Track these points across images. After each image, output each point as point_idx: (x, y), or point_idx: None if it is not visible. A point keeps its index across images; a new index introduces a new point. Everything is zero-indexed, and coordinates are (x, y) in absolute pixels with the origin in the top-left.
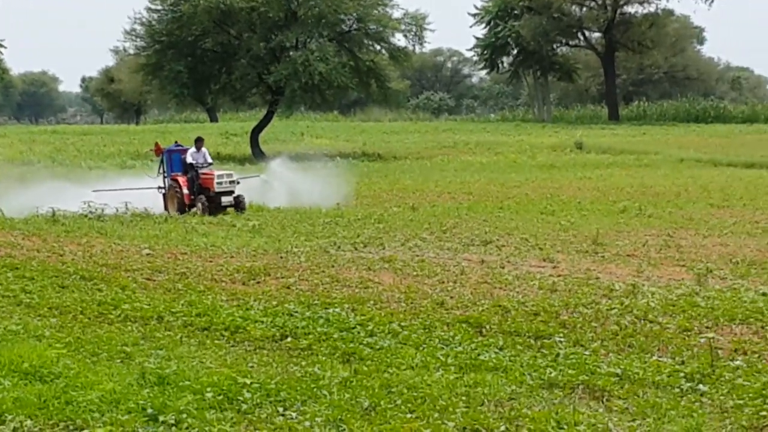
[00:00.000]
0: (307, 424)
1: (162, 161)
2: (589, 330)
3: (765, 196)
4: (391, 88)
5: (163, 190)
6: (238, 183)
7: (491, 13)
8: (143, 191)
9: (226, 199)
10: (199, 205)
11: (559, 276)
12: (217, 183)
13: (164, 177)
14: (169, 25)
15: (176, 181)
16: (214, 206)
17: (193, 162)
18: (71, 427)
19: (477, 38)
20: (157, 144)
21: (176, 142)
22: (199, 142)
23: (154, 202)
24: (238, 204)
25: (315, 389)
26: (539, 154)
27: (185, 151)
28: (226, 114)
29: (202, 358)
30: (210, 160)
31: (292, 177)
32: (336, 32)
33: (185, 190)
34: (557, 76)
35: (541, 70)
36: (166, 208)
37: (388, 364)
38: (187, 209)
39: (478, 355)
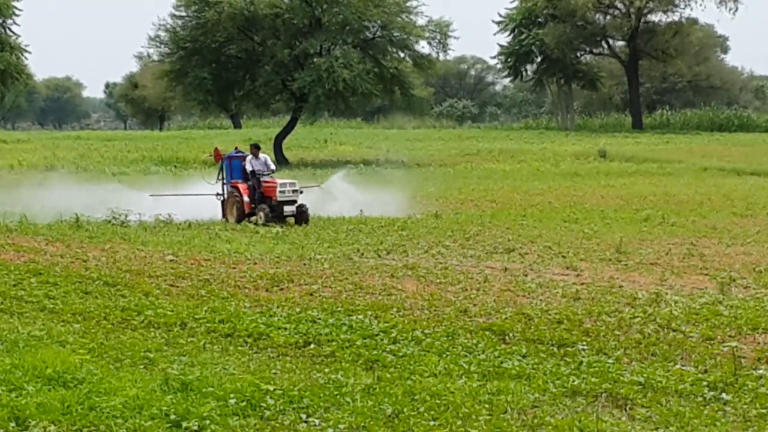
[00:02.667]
0: (331, 431)
1: (221, 167)
2: (612, 338)
3: None
4: (415, 95)
5: (222, 197)
6: (302, 192)
7: (515, 20)
8: (200, 197)
9: (288, 209)
10: (261, 214)
11: (583, 284)
12: (280, 192)
13: (223, 184)
14: (194, 32)
15: (236, 188)
16: (276, 215)
17: (255, 169)
18: None
19: (501, 46)
20: (216, 149)
21: (236, 148)
22: (256, 149)
23: (212, 209)
24: (301, 215)
25: (338, 396)
26: (562, 162)
27: (246, 157)
28: (250, 120)
29: (226, 365)
30: (273, 167)
31: (352, 188)
32: (360, 39)
33: (246, 198)
34: (581, 84)
35: (564, 78)
36: (224, 215)
37: (411, 371)
38: (246, 217)
39: (501, 362)
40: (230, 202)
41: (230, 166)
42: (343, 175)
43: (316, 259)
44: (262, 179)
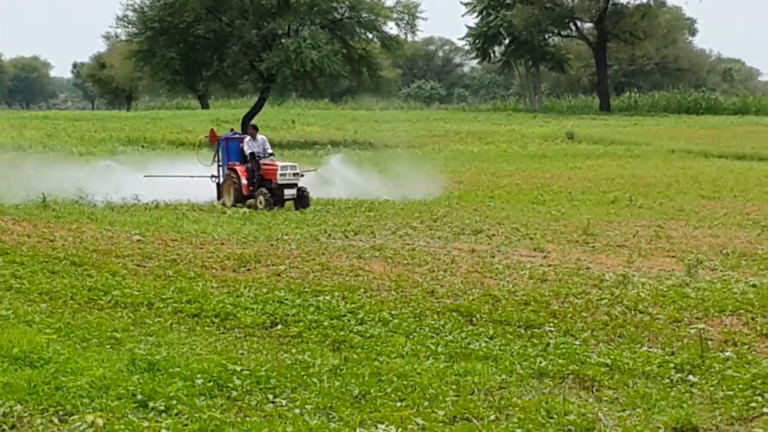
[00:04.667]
0: (297, 411)
1: (217, 149)
2: (579, 320)
3: (755, 187)
4: (383, 76)
5: (217, 179)
6: (302, 176)
7: (483, 2)
8: (195, 179)
9: (289, 192)
10: (261, 198)
11: (550, 266)
12: (281, 174)
13: (219, 166)
14: (161, 12)
15: (234, 170)
16: (276, 199)
17: (254, 151)
18: (61, 413)
19: (469, 27)
20: (212, 131)
21: (232, 129)
22: (254, 130)
23: (206, 191)
24: (301, 198)
25: (305, 377)
26: (530, 144)
27: (243, 139)
28: (218, 101)
29: (192, 345)
30: (270, 150)
31: (350, 171)
32: (328, 20)
33: (244, 181)
34: (549, 66)
35: (532, 60)
36: (219, 197)
37: (378, 352)
38: (244, 200)
39: (468, 344)
40: (227, 185)
41: (227, 148)
42: (341, 158)
43: (284, 239)
44: (261, 162)
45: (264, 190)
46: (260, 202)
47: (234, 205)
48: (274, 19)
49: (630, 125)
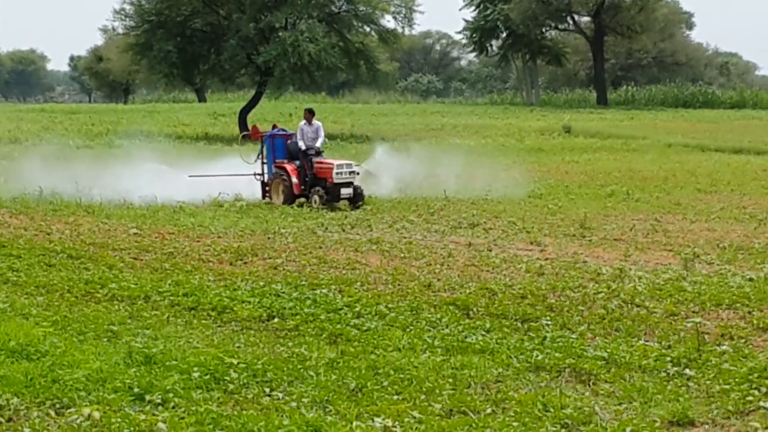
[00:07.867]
0: (294, 404)
1: (261, 147)
2: (576, 313)
3: (752, 181)
4: (380, 69)
5: (260, 177)
6: (358, 174)
7: None
8: (240, 177)
9: (345, 191)
10: (316, 197)
11: (547, 259)
12: (336, 173)
13: (263, 163)
14: (159, 5)
15: (283, 168)
16: (332, 198)
17: (306, 145)
18: (58, 405)
19: (466, 21)
20: (255, 127)
21: (274, 125)
22: (310, 114)
23: (251, 189)
24: (357, 196)
25: (302, 370)
26: (527, 137)
27: (290, 136)
28: (215, 94)
29: (189, 338)
30: (322, 137)
31: (398, 166)
32: (325, 13)
33: (294, 180)
34: (546, 59)
35: (529, 53)
36: (264, 196)
37: (374, 345)
38: (295, 199)
39: (465, 337)
40: (276, 184)
41: (272, 145)
42: (385, 151)
43: (281, 233)
44: (314, 161)
45: (319, 189)
46: (315, 202)
47: (285, 204)
48: (271, 12)
49: (627, 119)
